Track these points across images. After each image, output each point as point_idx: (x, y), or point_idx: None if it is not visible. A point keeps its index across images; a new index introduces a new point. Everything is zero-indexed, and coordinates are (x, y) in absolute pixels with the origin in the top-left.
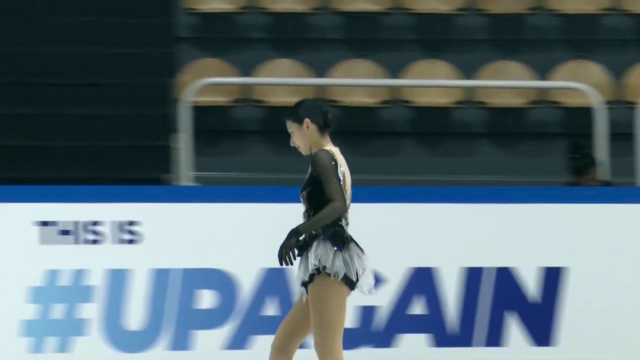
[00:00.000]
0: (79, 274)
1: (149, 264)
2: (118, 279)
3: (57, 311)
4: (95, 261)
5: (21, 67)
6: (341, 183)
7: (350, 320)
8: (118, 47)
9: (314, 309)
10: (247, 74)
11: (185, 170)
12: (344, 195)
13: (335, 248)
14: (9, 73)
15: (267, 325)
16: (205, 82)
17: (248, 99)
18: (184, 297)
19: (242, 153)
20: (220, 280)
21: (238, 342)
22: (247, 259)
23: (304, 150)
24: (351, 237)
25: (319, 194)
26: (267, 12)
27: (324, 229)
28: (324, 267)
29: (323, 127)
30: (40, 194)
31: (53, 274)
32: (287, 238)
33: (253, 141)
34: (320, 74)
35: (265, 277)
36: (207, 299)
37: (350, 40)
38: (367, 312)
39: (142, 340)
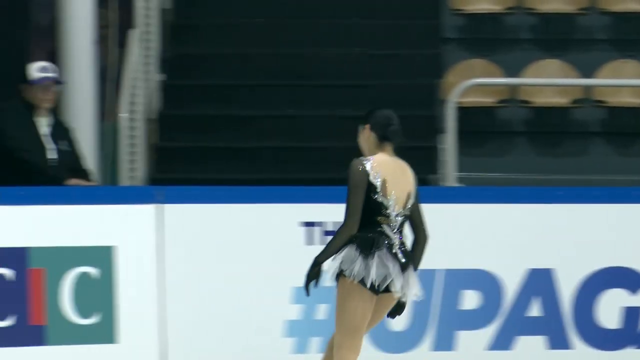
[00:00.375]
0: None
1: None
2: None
3: (321, 312)
4: None
5: (287, 69)
6: (377, 191)
7: (615, 321)
8: (385, 48)
9: (336, 307)
10: (513, 74)
11: (450, 171)
12: (355, 214)
13: (359, 252)
14: (277, 75)
15: (531, 326)
16: (471, 83)
17: (514, 100)
18: (448, 298)
19: (508, 154)
20: (485, 281)
21: (502, 342)
22: (512, 260)
23: (364, 154)
24: (389, 245)
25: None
26: (534, 13)
27: (357, 236)
28: (343, 270)
29: (382, 138)
30: (306, 195)
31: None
32: (310, 267)
33: (519, 142)
34: (588, 75)
35: (530, 278)
36: (471, 299)
37: (618, 41)
38: (632, 313)
39: (405, 340)
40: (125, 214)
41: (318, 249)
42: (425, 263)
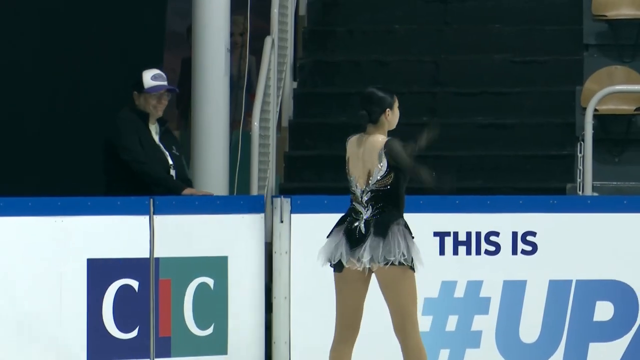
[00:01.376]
0: (474, 285)
1: (546, 275)
2: (514, 291)
3: (452, 323)
4: (492, 272)
5: (424, 76)
6: (346, 169)
7: None
8: (526, 54)
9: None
10: None
11: (588, 180)
12: None
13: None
14: (413, 82)
15: None
16: (610, 90)
17: None
18: (581, 309)
19: None
20: (619, 292)
21: (636, 354)
22: None
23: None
24: (352, 220)
25: None
26: None
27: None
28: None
29: (366, 121)
30: (439, 204)
31: (449, 285)
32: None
33: None
34: None
35: None
36: (604, 310)
37: None
38: None
39: (537, 353)
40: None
41: (450, 259)
42: (560, 273)
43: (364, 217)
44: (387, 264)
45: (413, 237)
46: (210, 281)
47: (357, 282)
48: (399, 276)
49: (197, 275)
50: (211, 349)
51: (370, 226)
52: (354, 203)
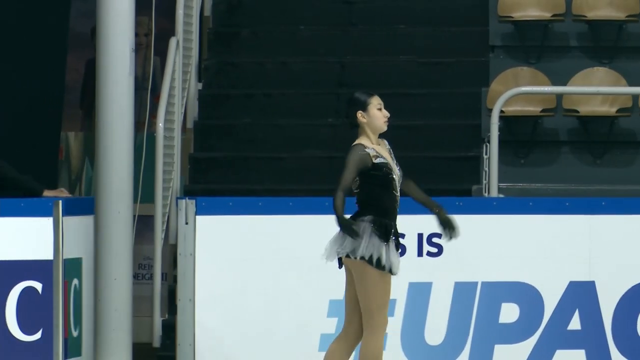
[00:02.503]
0: None
1: (451, 277)
2: (420, 293)
3: None
4: (397, 274)
5: (329, 77)
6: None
7: None
8: (432, 56)
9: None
10: (560, 82)
11: (494, 181)
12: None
13: (382, 241)
14: (319, 84)
15: (571, 340)
16: (516, 92)
17: (560, 109)
18: (487, 311)
19: (552, 164)
20: (524, 294)
21: (541, 356)
22: (552, 272)
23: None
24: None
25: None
26: (581, 20)
27: (373, 220)
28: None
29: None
30: (347, 206)
31: None
32: (346, 225)
33: (563, 152)
34: (636, 83)
35: (570, 291)
36: (510, 312)
37: None
38: None
39: (442, 355)
40: None
41: None
42: (466, 275)
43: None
44: (355, 257)
45: (386, 240)
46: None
47: (349, 274)
48: (361, 271)
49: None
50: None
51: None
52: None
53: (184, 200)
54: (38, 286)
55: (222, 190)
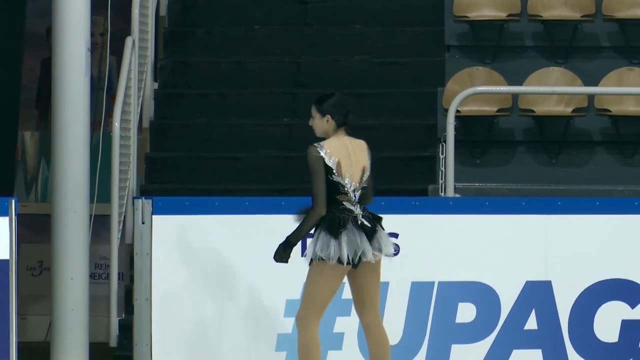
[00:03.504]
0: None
1: (408, 276)
2: None
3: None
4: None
5: (284, 77)
6: (334, 172)
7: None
8: (387, 55)
9: (306, 285)
10: (515, 82)
11: (450, 181)
12: (323, 198)
13: (330, 235)
14: (273, 84)
15: (527, 340)
16: (471, 92)
17: (516, 108)
18: (443, 311)
19: (508, 163)
20: (481, 294)
21: (497, 356)
22: (509, 272)
23: (318, 134)
24: (354, 218)
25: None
26: (537, 20)
27: (323, 218)
28: (320, 257)
29: (341, 124)
30: (302, 206)
31: None
32: (282, 247)
33: (519, 151)
34: (591, 83)
35: (526, 291)
36: (466, 312)
37: (623, 48)
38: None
39: (399, 354)
40: None
41: None
42: (422, 274)
43: (360, 214)
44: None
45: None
46: None
47: (369, 272)
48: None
49: None
50: None
51: (370, 221)
52: (343, 203)
53: (140, 200)
54: None
55: (178, 189)
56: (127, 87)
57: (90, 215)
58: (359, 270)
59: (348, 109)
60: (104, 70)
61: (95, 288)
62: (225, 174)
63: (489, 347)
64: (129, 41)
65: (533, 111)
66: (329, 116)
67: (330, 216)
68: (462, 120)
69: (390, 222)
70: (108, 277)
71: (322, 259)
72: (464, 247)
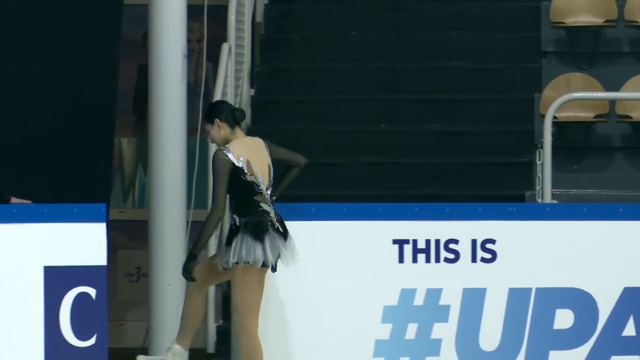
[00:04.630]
0: (434, 293)
1: (505, 282)
2: (474, 299)
3: (411, 331)
4: (451, 280)
5: (381, 83)
6: (245, 172)
7: None
8: (483, 62)
9: (236, 293)
10: (612, 88)
11: (547, 187)
12: (223, 201)
13: (254, 240)
14: (370, 90)
15: (626, 346)
16: (568, 98)
17: (613, 115)
18: (541, 317)
19: (606, 170)
20: (578, 300)
21: None
22: (607, 278)
23: (220, 145)
24: (271, 222)
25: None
26: (634, 26)
27: (246, 222)
28: (247, 262)
29: (233, 124)
30: (399, 212)
31: (408, 293)
32: (186, 261)
33: (617, 158)
34: None
35: (624, 297)
36: (564, 318)
37: None
38: None
39: None
40: None
41: (409, 267)
42: (520, 281)
43: (274, 217)
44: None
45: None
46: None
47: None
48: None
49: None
50: None
51: (282, 226)
52: (261, 204)
53: None
54: (92, 292)
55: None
56: (224, 94)
57: (187, 221)
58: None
59: (231, 107)
60: (200, 76)
61: None
62: (322, 181)
63: (587, 353)
64: (225, 47)
65: (630, 117)
66: (217, 120)
67: (253, 220)
68: (559, 126)
69: (487, 228)
70: None
71: (249, 263)
72: (561, 253)
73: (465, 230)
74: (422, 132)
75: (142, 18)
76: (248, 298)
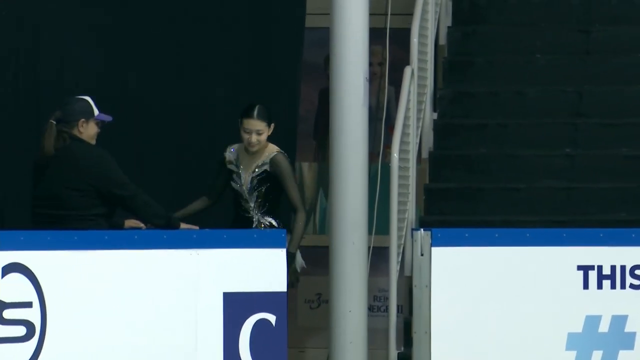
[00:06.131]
0: (619, 319)
1: None
2: None
3: (596, 358)
4: (637, 307)
5: (564, 107)
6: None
7: None
8: None
9: None
10: None
11: None
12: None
13: None
14: (554, 113)
15: None
16: None
17: None
18: None
19: None
20: None
21: None
22: None
23: (257, 148)
24: None
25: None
26: None
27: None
28: None
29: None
30: (584, 237)
31: (593, 319)
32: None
33: None
34: None
35: None
36: None
37: None
38: None
39: None
40: None
41: (594, 293)
42: None
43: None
44: None
45: None
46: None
47: None
48: None
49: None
50: None
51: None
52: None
53: (419, 232)
54: (272, 318)
55: (456, 221)
56: (406, 118)
57: (369, 247)
58: None
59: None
60: (382, 100)
61: (373, 321)
62: (505, 205)
63: None
64: (407, 71)
65: None
66: (272, 124)
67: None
68: None
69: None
70: (387, 309)
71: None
72: None
73: (614, 256)
74: (607, 157)
75: (324, 41)
76: None
